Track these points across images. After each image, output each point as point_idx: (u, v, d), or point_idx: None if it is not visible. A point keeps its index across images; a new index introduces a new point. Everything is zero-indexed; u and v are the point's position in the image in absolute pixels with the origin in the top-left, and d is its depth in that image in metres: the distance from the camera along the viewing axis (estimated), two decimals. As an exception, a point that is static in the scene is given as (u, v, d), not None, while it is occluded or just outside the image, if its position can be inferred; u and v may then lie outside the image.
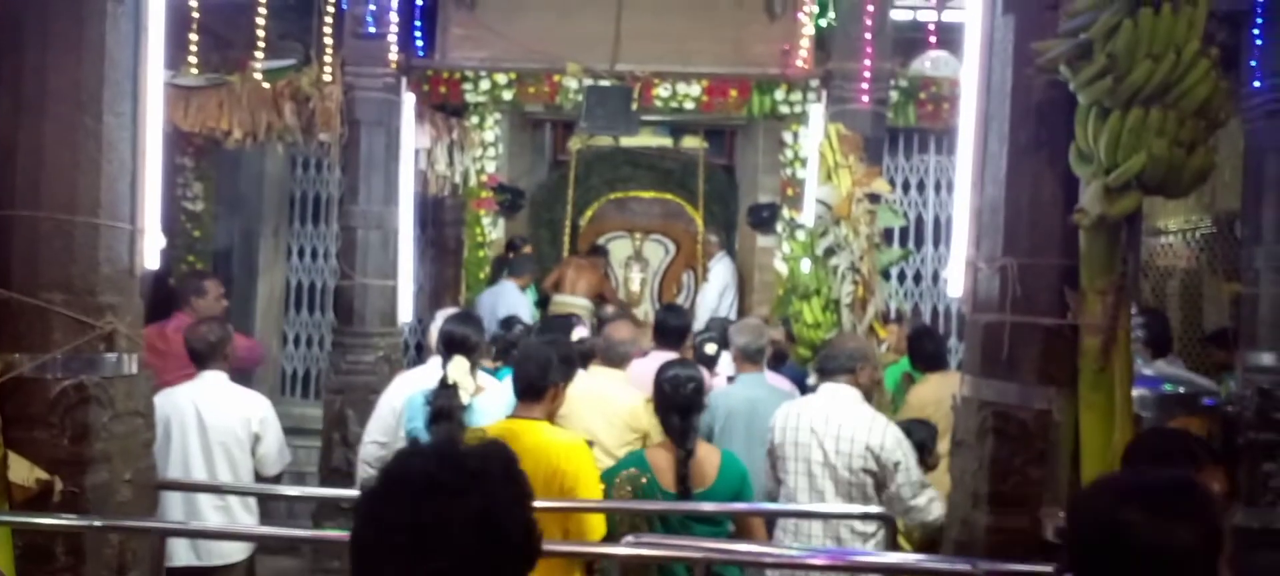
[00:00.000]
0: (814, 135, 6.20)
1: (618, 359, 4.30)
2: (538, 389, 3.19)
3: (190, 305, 5.10)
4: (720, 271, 8.28)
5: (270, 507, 4.58)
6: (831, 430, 3.54)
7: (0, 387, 2.82)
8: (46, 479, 2.82)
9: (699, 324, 6.79)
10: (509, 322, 5.05)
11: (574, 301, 7.86)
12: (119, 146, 2.97)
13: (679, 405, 3.36)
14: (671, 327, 4.92)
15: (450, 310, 4.51)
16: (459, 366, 3.69)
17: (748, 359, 4.51)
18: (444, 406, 3.62)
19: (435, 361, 4.12)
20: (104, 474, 3.00)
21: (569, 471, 3.06)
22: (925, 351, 5.05)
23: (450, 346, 3.75)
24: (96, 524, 2.85)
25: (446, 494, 1.18)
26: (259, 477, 3.98)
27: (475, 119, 7.84)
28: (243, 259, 8.08)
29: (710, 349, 5.17)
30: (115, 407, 3.04)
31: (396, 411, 3.99)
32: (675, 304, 7.80)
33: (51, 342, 2.85)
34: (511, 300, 7.09)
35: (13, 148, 2.84)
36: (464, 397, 3.65)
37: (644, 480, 3.27)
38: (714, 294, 8.13)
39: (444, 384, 3.67)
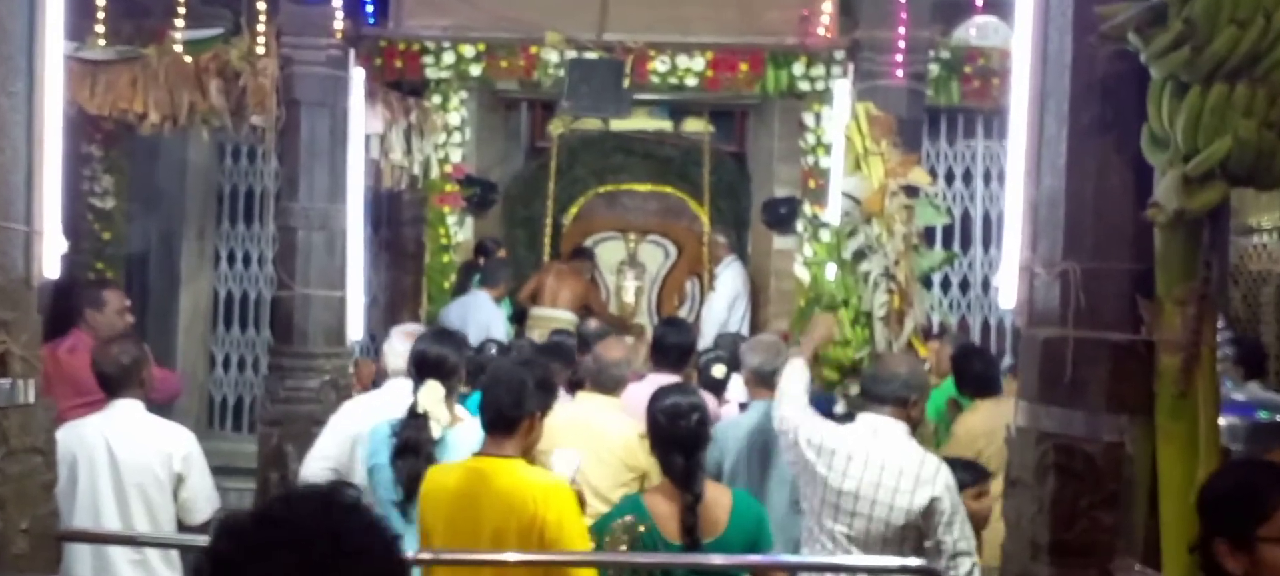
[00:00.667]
0: (839, 117, 6.20)
1: (610, 383, 4.30)
2: (510, 420, 3.18)
3: (86, 321, 5.08)
4: (730, 279, 8.28)
5: (197, 563, 4.56)
6: (872, 475, 3.54)
7: None
8: (-74, 529, 2.80)
9: (705, 341, 6.79)
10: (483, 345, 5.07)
11: (555, 315, 7.87)
12: (11, 132, 2.96)
13: (680, 440, 3.34)
14: (672, 346, 4.93)
15: (409, 326, 4.50)
16: (432, 393, 3.67)
17: (762, 382, 4.50)
18: (412, 439, 3.61)
19: (393, 386, 4.13)
20: (-5, 522, 2.99)
21: (550, 520, 3.05)
22: (973, 373, 5.06)
23: (423, 369, 3.73)
24: (-15, 582, 2.84)
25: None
26: (183, 526, 3.95)
27: (437, 99, 7.85)
28: (162, 265, 8.07)
29: (718, 371, 5.16)
30: (9, 443, 3.02)
31: (350, 436, 3.99)
32: (677, 317, 7.80)
33: (-68, 367, 2.84)
34: (484, 314, 7.09)
35: (-114, 135, 2.83)
36: (435, 430, 3.63)
37: (642, 529, 3.25)
38: (722, 305, 8.14)
39: (413, 413, 3.65)
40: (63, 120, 3.15)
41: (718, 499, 3.38)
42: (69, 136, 3.32)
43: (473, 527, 3.12)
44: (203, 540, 3.89)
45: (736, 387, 5.06)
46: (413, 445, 3.61)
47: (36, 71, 3.04)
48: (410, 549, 3.44)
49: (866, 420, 3.69)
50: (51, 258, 3.24)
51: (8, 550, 3.01)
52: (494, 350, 5.46)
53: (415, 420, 3.65)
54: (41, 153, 3.09)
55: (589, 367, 4.31)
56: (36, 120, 3.05)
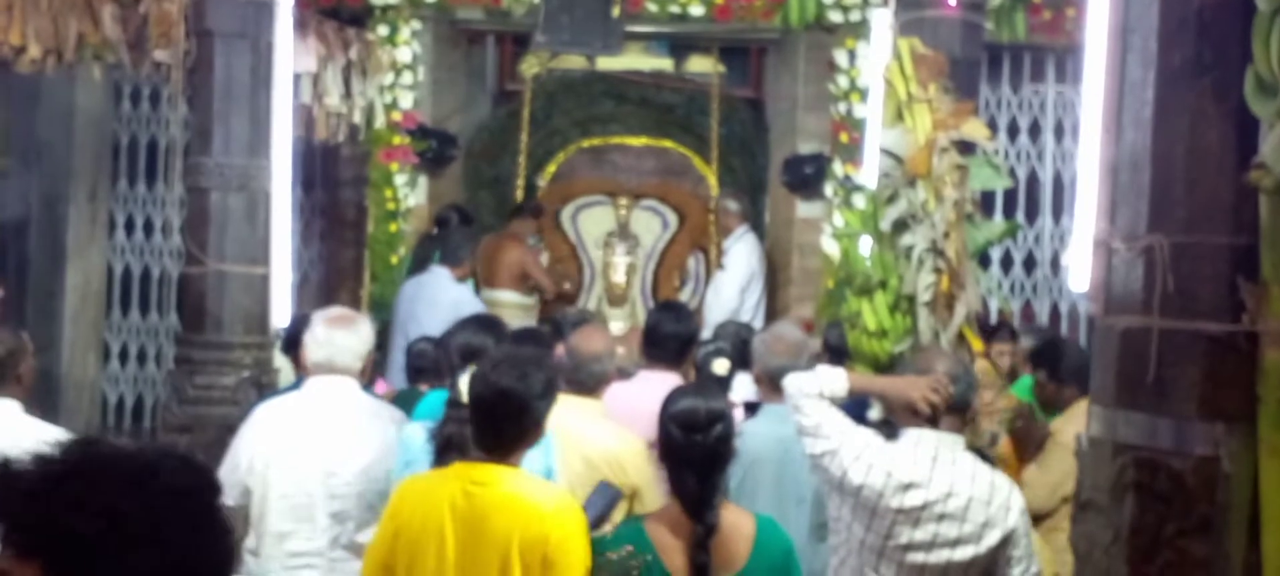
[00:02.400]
0: (878, 55, 6.19)
1: (589, 382, 4.28)
2: (523, 429, 3.31)
3: None
4: (743, 256, 8.25)
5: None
6: (934, 512, 3.54)
7: None
8: None
9: (708, 331, 6.79)
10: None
11: (496, 297, 7.86)
12: None
13: (698, 458, 3.31)
14: (669, 336, 4.91)
15: (336, 311, 4.51)
16: None
17: (779, 386, 4.50)
18: (455, 435, 3.73)
19: (316, 386, 4.18)
20: None
21: (555, 541, 3.10)
22: (1072, 365, 5.07)
23: (467, 359, 3.98)
24: None
25: None
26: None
27: (383, 30, 7.84)
28: (44, 234, 8.09)
29: (719, 367, 5.17)
30: None
31: (246, 466, 4.08)
32: (675, 302, 7.76)
33: None
34: (445, 297, 7.04)
35: None
36: None
37: (644, 560, 3.24)
38: (734, 289, 8.10)
39: (457, 404, 3.79)
40: (-83, 54, 3.13)
41: (737, 527, 3.34)
42: (-74, 74, 3.31)
43: (475, 551, 3.18)
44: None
45: (742, 386, 5.06)
46: (458, 441, 3.74)
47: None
48: None
49: (916, 437, 3.67)
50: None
51: None
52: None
53: (458, 411, 3.77)
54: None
55: (563, 363, 4.30)
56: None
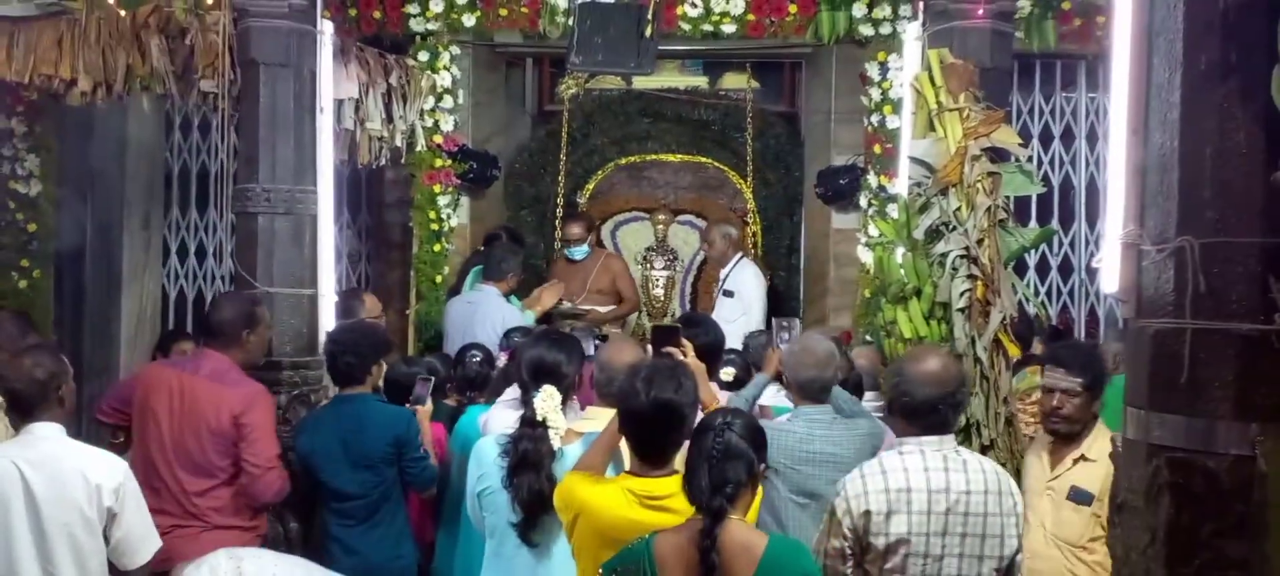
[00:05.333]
0: (909, 66, 6.16)
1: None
2: (681, 440, 3.45)
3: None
4: (754, 281, 8.00)
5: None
6: (958, 520, 3.51)
7: None
8: None
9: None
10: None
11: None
12: (-96, 105, 2.99)
13: (709, 455, 3.25)
14: (696, 347, 4.89)
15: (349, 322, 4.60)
16: (550, 400, 3.93)
17: (809, 398, 4.55)
18: (530, 452, 3.87)
19: None
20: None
21: None
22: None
23: (539, 375, 4.05)
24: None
25: None
26: (117, 573, 3.98)
27: (424, 56, 7.87)
28: (99, 262, 8.17)
29: (726, 374, 5.21)
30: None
31: None
32: (698, 314, 7.73)
33: None
34: (495, 315, 6.96)
35: None
36: (554, 441, 3.89)
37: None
38: (759, 316, 7.81)
39: (530, 422, 3.91)
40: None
41: (746, 546, 3.21)
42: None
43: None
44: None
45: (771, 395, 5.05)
46: (532, 459, 3.88)
47: (-68, 31, 3.06)
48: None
49: (919, 449, 3.58)
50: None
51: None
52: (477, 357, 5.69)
53: (532, 429, 3.90)
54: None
55: (597, 376, 4.29)
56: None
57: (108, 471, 3.95)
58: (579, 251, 8.11)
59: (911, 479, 3.51)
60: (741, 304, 7.80)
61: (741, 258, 8.09)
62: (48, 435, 3.94)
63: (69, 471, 3.90)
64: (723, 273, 8.08)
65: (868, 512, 3.50)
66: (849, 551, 3.54)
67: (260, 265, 5.85)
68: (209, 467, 4.61)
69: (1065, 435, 4.31)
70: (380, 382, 5.23)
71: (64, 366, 4.05)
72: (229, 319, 4.86)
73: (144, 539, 4.02)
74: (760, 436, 3.34)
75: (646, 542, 3.24)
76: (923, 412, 3.59)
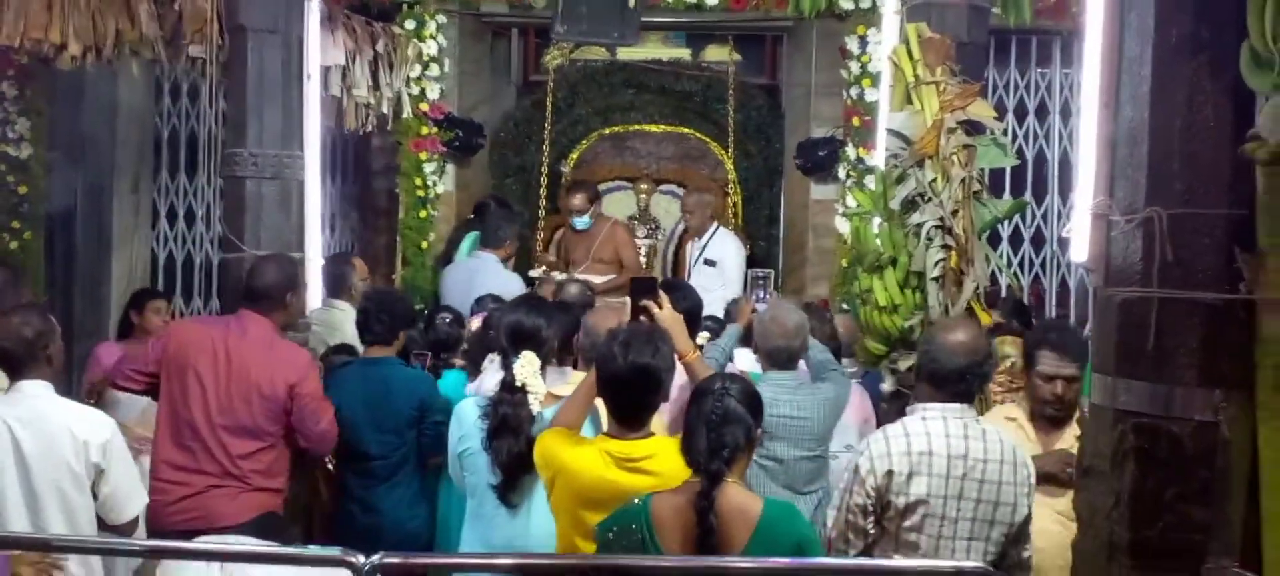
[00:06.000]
0: (887, 40, 6.15)
1: None
2: (656, 403, 3.52)
3: None
4: (734, 250, 7.99)
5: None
6: (973, 486, 3.53)
7: None
8: None
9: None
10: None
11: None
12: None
13: (708, 419, 3.21)
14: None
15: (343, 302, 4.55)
16: (529, 365, 3.97)
17: (777, 364, 4.59)
18: (509, 416, 3.93)
19: None
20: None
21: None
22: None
23: (518, 340, 4.06)
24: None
25: None
26: (104, 527, 3.97)
27: (410, 24, 7.83)
28: (90, 225, 8.13)
29: (703, 341, 5.24)
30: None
31: None
32: (677, 280, 7.72)
33: None
34: (496, 281, 6.81)
35: None
36: (534, 405, 3.94)
37: (640, 535, 3.16)
38: (737, 284, 7.77)
39: (509, 387, 3.96)
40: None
41: (742, 509, 3.16)
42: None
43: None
44: (129, 542, 3.93)
45: (743, 360, 5.05)
46: (511, 423, 3.93)
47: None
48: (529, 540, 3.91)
49: (941, 416, 3.60)
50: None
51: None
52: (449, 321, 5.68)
53: (511, 394, 3.95)
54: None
55: (582, 343, 4.30)
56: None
57: (95, 428, 3.93)
58: (582, 221, 8.03)
59: (933, 443, 3.55)
60: (721, 273, 7.76)
61: (719, 227, 8.07)
62: (36, 393, 3.92)
63: (57, 428, 3.88)
64: (702, 242, 8.03)
65: (890, 472, 3.54)
66: (871, 508, 3.58)
67: (248, 229, 5.81)
68: (257, 431, 4.56)
69: (1059, 419, 4.26)
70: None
71: (52, 326, 4.03)
72: (274, 282, 4.77)
73: (130, 495, 4.01)
74: (757, 401, 3.32)
75: (643, 504, 3.21)
76: (950, 381, 3.62)
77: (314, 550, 3.87)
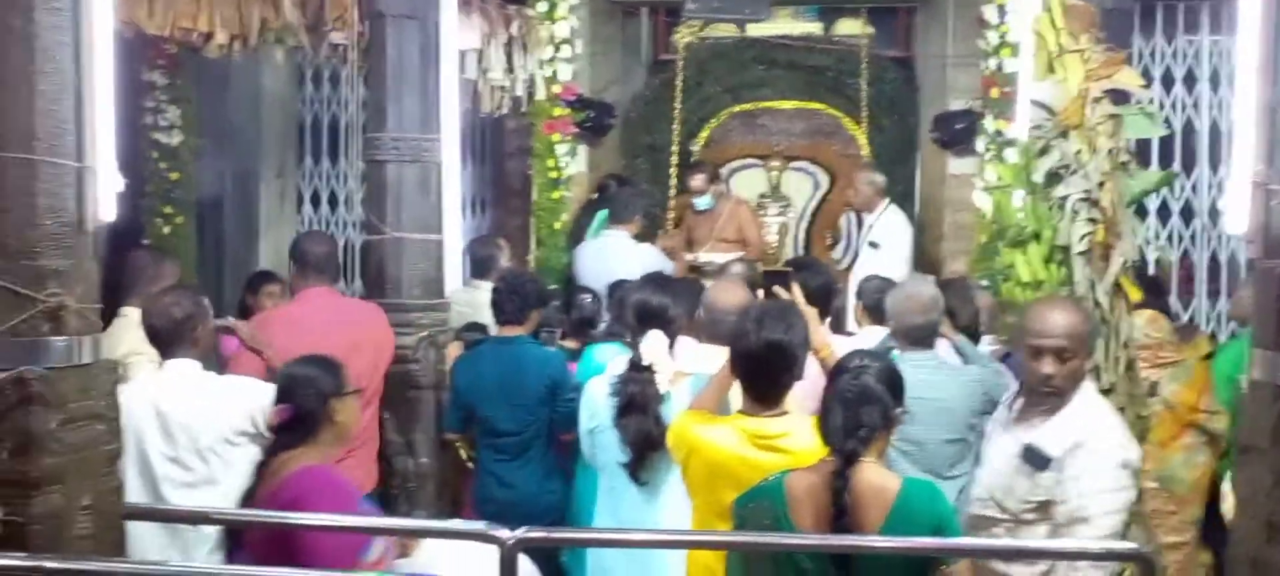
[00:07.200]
0: (1027, 8, 6.02)
1: (726, 334, 4.21)
2: (791, 381, 3.49)
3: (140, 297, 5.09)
4: (900, 230, 7.82)
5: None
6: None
7: (-80, 384, 2.95)
8: (-18, 505, 2.95)
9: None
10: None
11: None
12: (57, 55, 3.05)
13: (842, 396, 3.15)
14: (807, 291, 4.83)
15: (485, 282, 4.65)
16: (656, 344, 4.02)
17: (915, 343, 4.50)
18: (637, 395, 3.98)
19: None
20: (56, 498, 3.11)
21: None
22: None
23: (644, 319, 4.12)
24: (48, 565, 2.96)
25: None
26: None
27: (543, 6, 7.88)
28: (238, 210, 8.37)
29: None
30: (67, 409, 3.14)
31: None
32: (809, 258, 7.66)
33: (-22, 323, 2.97)
34: (631, 259, 6.83)
35: (-83, 60, 2.95)
36: (661, 383, 3.98)
37: (775, 512, 3.14)
38: (902, 268, 7.42)
39: (637, 366, 4.01)
40: (118, 42, 3.24)
41: (879, 488, 3.08)
42: (126, 62, 3.44)
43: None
44: (285, 516, 4.02)
45: (874, 337, 4.96)
46: (639, 401, 3.99)
47: (82, -17, 3.13)
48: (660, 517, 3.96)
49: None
50: (107, 198, 3.35)
51: (68, 531, 3.12)
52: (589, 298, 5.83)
53: (639, 373, 4.00)
54: (91, 78, 3.19)
55: (700, 319, 4.27)
56: (84, 41, 3.14)
57: (241, 399, 4.01)
58: (702, 202, 8.02)
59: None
60: (886, 256, 7.52)
61: (889, 204, 7.90)
62: (183, 371, 4.04)
63: (201, 404, 3.99)
64: (868, 220, 7.88)
65: None
66: None
67: (389, 212, 5.92)
68: (370, 396, 4.74)
69: None
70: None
71: (201, 307, 4.14)
72: (329, 253, 5.10)
73: None
74: (897, 380, 3.23)
75: (778, 480, 3.18)
76: None
77: (459, 524, 3.94)
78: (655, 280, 4.60)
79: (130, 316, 4.52)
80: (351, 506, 3.53)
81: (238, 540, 3.86)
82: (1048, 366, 3.50)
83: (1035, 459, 3.49)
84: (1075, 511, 3.43)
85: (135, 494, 3.88)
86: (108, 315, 4.27)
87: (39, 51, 2.99)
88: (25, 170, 3.00)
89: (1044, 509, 3.49)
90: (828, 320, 5.14)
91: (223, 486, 3.95)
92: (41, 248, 3.06)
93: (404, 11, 5.93)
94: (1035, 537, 3.50)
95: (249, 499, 3.66)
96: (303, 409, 3.58)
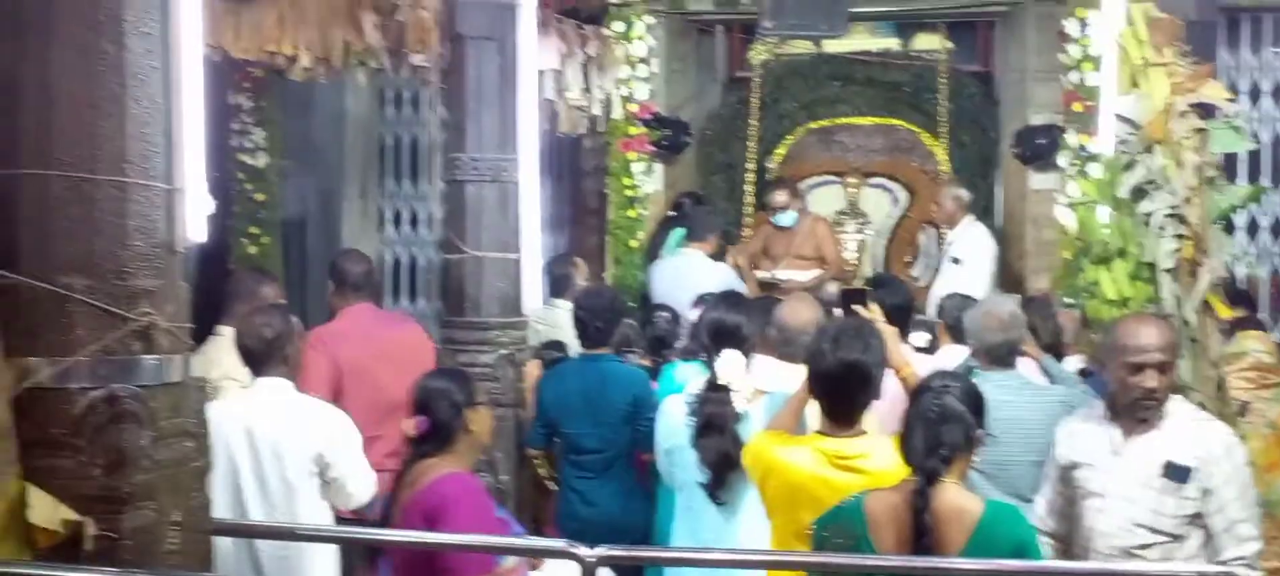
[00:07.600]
0: (1111, 22, 5.93)
1: (798, 352, 4.14)
2: (868, 400, 3.42)
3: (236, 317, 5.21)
4: (983, 246, 7.70)
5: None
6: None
7: (16, 401, 2.99)
8: (75, 520, 2.98)
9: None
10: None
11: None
12: (148, 79, 3.09)
13: (923, 417, 3.12)
14: (884, 310, 4.77)
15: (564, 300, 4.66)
16: (732, 364, 4.00)
17: (996, 362, 4.42)
18: (715, 415, 3.97)
19: None
20: (147, 513, 3.14)
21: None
22: None
23: (719, 338, 4.10)
24: (139, 579, 3.00)
25: None
26: (340, 517, 4.12)
27: (619, 26, 7.91)
28: (321, 230, 8.47)
29: (919, 340, 5.11)
30: (158, 426, 3.17)
31: None
32: (887, 275, 7.57)
33: (73, 342, 2.99)
34: (705, 277, 6.82)
35: (13, 84, 2.98)
36: (738, 403, 3.97)
37: (854, 535, 3.07)
38: (983, 285, 7.33)
39: (713, 386, 4.00)
40: (205, 66, 3.29)
41: (960, 510, 3.05)
42: (214, 85, 3.49)
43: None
44: (364, 532, 4.06)
45: (955, 356, 4.88)
46: (717, 422, 3.97)
47: (171, 9, 3.18)
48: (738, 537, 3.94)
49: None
50: (197, 219, 3.39)
51: (158, 547, 3.15)
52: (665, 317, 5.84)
53: (716, 393, 3.99)
54: (181, 101, 3.24)
55: (771, 337, 4.24)
56: (173, 65, 3.19)
57: (327, 423, 4.08)
58: (786, 218, 7.93)
59: None
60: (968, 273, 7.40)
61: (972, 219, 7.81)
62: (274, 388, 4.09)
63: (289, 423, 4.04)
64: (950, 236, 7.80)
65: None
66: None
67: (469, 231, 5.96)
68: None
69: None
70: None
71: (291, 327, 4.18)
72: (367, 271, 5.25)
73: (361, 481, 4.12)
74: (979, 400, 3.19)
75: (857, 501, 3.16)
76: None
77: (540, 542, 3.95)
78: (729, 299, 4.59)
79: (225, 335, 4.59)
80: (490, 514, 3.63)
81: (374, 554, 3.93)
82: (1151, 380, 3.50)
83: (1176, 472, 3.49)
84: (1232, 516, 3.46)
85: (223, 511, 3.93)
86: (203, 334, 4.36)
87: (130, 76, 3.03)
88: (117, 192, 3.04)
89: (1195, 520, 3.49)
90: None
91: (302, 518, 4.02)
92: (133, 268, 3.10)
93: (483, 33, 5.99)
94: (1186, 552, 3.48)
95: (389, 505, 3.74)
96: (438, 419, 3.63)
